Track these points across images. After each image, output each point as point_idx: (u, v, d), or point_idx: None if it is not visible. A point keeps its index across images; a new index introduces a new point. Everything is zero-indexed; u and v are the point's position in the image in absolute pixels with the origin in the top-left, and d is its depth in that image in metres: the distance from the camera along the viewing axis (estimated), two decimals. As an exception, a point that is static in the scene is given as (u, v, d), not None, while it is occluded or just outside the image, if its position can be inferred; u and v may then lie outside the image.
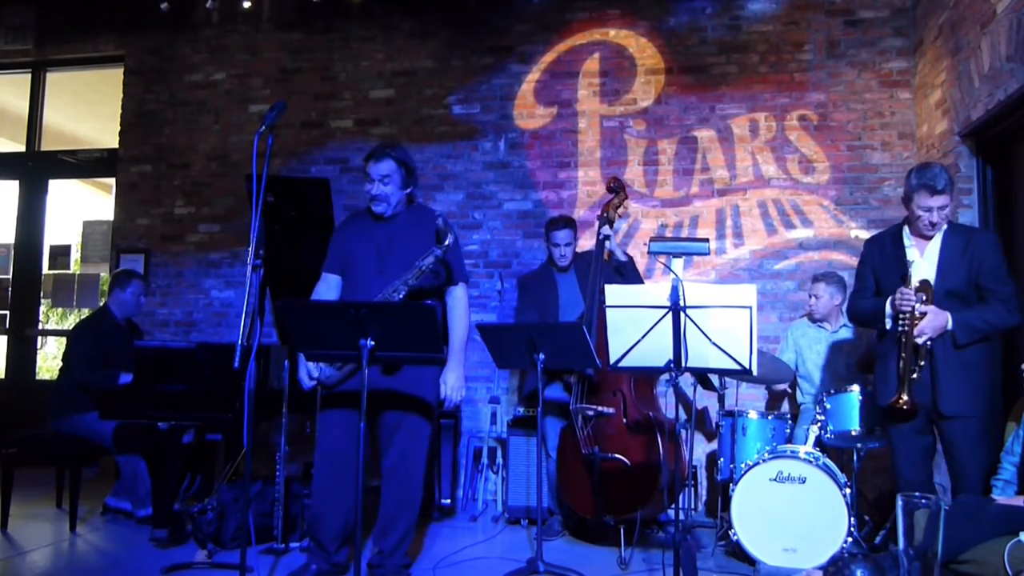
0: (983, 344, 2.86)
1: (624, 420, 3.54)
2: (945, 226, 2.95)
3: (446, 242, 2.84)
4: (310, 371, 2.94)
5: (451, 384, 3.02)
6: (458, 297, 3.10)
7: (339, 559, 3.03)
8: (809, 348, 4.01)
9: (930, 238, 2.97)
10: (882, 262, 3.07)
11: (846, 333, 3.97)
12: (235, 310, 5.35)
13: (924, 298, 2.82)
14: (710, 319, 2.58)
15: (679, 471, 2.94)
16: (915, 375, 2.79)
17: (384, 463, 3.01)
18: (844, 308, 4.00)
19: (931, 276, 2.89)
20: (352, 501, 2.94)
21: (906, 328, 2.81)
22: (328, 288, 3.10)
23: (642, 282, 4.05)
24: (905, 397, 2.77)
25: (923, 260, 2.95)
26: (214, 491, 3.62)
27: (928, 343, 2.82)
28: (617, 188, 3.99)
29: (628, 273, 3.87)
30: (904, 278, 2.85)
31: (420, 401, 2.99)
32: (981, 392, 2.84)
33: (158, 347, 3.99)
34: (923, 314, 2.80)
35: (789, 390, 4.16)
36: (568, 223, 4.04)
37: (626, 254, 4.03)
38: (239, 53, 5.60)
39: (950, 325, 2.81)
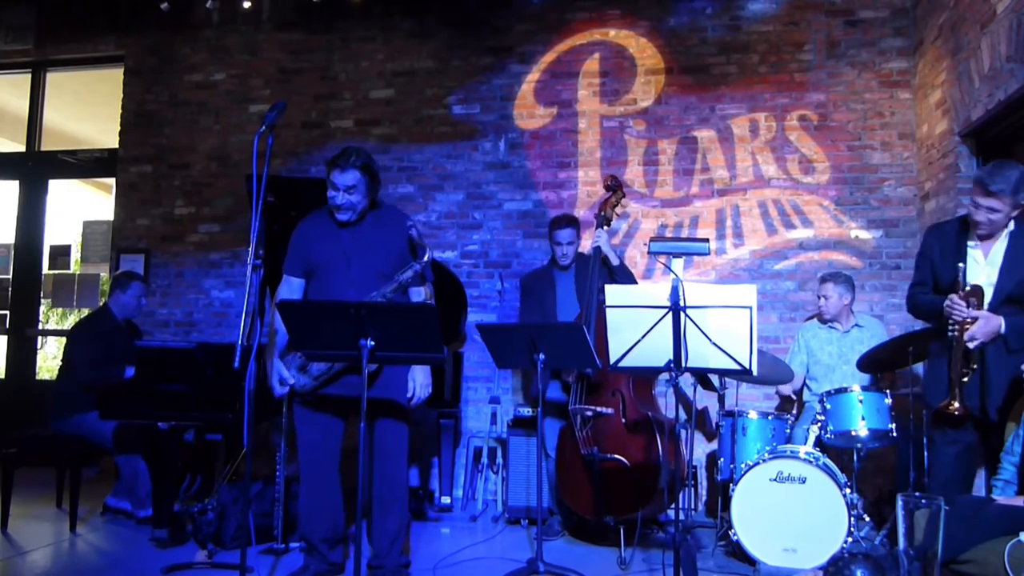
0: None
1: (623, 420, 3.54)
2: (1011, 227, 2.86)
3: (425, 258, 2.86)
4: (284, 377, 2.90)
5: (420, 381, 3.02)
6: (424, 297, 3.07)
7: (334, 559, 3.05)
8: (821, 349, 4.00)
9: (988, 237, 2.88)
10: (941, 258, 2.99)
11: (858, 332, 3.97)
12: (235, 310, 5.35)
13: (975, 303, 2.78)
14: (710, 319, 2.58)
15: (679, 471, 2.94)
16: (965, 379, 2.78)
17: (376, 466, 3.02)
18: (854, 307, 4.01)
19: (992, 280, 2.83)
20: (338, 502, 3.03)
21: (956, 333, 2.78)
22: (291, 291, 3.03)
23: (635, 283, 4.05)
24: (956, 404, 2.76)
25: (986, 263, 2.88)
26: (214, 491, 3.62)
27: (979, 347, 2.79)
28: (614, 186, 3.99)
29: (621, 277, 3.87)
30: (955, 284, 2.82)
31: (395, 404, 2.99)
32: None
33: (158, 347, 3.99)
34: (974, 319, 2.76)
35: (795, 396, 4.15)
36: (571, 222, 4.02)
37: (620, 258, 4.00)
38: (239, 53, 5.60)
39: (1003, 330, 2.77)
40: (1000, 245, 2.89)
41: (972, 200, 2.86)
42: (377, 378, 2.94)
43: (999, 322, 2.77)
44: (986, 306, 2.83)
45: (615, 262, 3.90)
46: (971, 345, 2.78)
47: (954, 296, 2.80)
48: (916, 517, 1.64)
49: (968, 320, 2.76)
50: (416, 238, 2.88)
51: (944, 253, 3.01)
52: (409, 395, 3.02)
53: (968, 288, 2.80)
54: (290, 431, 3.55)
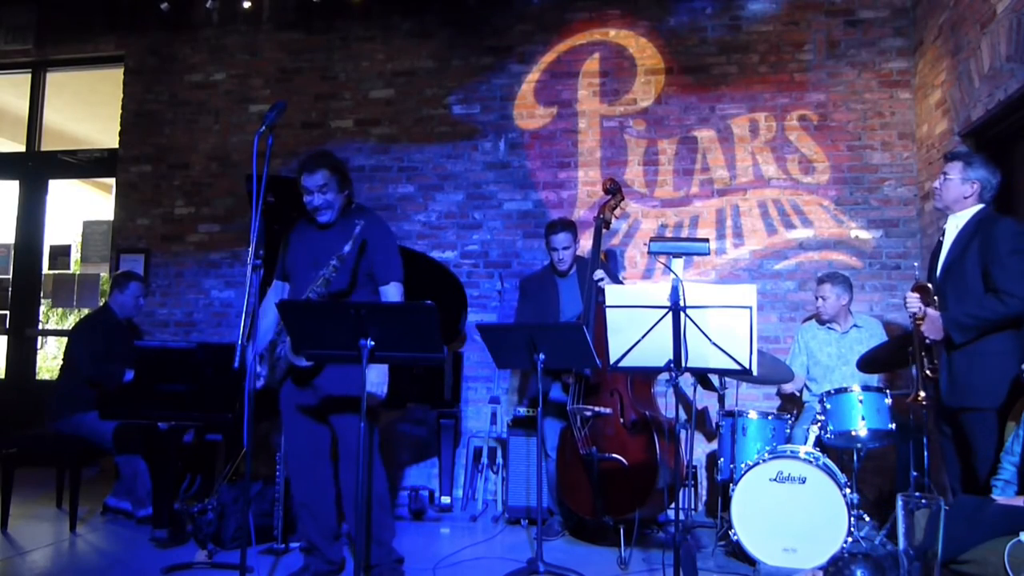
0: (999, 335, 2.82)
1: (621, 420, 3.54)
2: (972, 212, 2.96)
3: (344, 249, 2.82)
4: (258, 371, 2.92)
5: (371, 379, 2.91)
6: (390, 297, 3.04)
7: (334, 556, 3.05)
8: (820, 350, 4.00)
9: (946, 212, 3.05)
10: (930, 261, 3.17)
11: (857, 333, 3.96)
12: (235, 310, 5.35)
13: (923, 299, 2.92)
14: (710, 319, 2.58)
15: (678, 471, 2.94)
16: (930, 373, 2.91)
17: (341, 466, 3.03)
18: (853, 307, 4.03)
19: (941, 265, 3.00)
20: (330, 501, 3.04)
21: (913, 328, 2.94)
22: (276, 294, 3.11)
23: None
24: (923, 393, 2.86)
25: (947, 248, 3.01)
26: (214, 491, 3.62)
27: (934, 343, 2.90)
28: (614, 190, 3.98)
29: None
30: (916, 281, 3.00)
31: (355, 400, 2.96)
32: (991, 384, 2.81)
33: (158, 347, 3.99)
34: (925, 315, 2.90)
35: (797, 393, 4.15)
36: (566, 226, 3.97)
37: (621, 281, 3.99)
38: (239, 53, 5.60)
39: (942, 325, 2.86)
40: (953, 232, 3.00)
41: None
42: (318, 374, 2.93)
43: (940, 321, 2.87)
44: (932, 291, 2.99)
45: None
46: (927, 341, 2.91)
47: (909, 291, 3.00)
48: (916, 517, 1.64)
49: (919, 315, 2.92)
50: (355, 233, 2.84)
51: (931, 259, 3.18)
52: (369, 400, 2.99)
53: (917, 285, 3.00)
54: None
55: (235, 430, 3.52)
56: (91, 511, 4.09)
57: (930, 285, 2.98)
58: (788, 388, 4.17)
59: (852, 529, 3.01)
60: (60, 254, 6.08)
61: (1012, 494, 2.57)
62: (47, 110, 6.08)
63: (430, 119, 5.23)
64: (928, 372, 2.91)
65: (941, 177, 3.02)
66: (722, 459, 3.68)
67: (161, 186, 5.60)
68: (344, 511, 3.07)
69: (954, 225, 3.00)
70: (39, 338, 6.26)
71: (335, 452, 3.06)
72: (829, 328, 4.02)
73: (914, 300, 2.94)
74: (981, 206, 2.97)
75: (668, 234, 4.80)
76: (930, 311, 2.89)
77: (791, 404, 4.26)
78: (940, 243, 3.09)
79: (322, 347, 2.61)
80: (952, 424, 2.97)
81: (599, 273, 3.69)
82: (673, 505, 3.03)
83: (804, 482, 3.11)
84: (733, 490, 3.22)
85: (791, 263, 4.68)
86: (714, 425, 4.26)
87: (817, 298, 4.02)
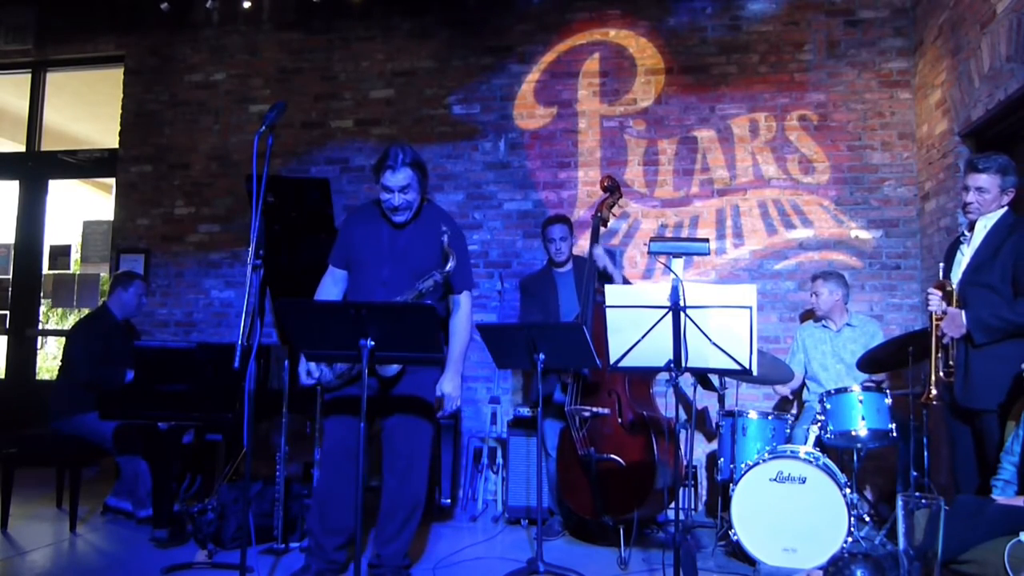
0: (1021, 340, 2.81)
1: (619, 420, 3.54)
2: (998, 216, 2.96)
3: (448, 267, 2.82)
4: (310, 369, 2.93)
5: (448, 392, 2.97)
6: (461, 305, 3.06)
7: (338, 558, 3.03)
8: (815, 348, 4.01)
9: (974, 224, 3.02)
10: (945, 254, 3.18)
11: (850, 332, 3.97)
12: (235, 310, 5.35)
13: (947, 298, 2.92)
14: (710, 319, 2.58)
15: (678, 471, 2.94)
16: (943, 373, 2.89)
17: (386, 464, 3.01)
18: (853, 306, 4.03)
19: (965, 265, 2.98)
20: (349, 502, 2.97)
21: (931, 327, 2.93)
22: (334, 281, 3.06)
23: None
24: (934, 392, 2.86)
25: (969, 249, 3.01)
26: (214, 491, 3.62)
27: (954, 339, 2.89)
28: (612, 187, 3.98)
29: None
30: (939, 277, 2.99)
31: (422, 402, 2.98)
32: (1006, 387, 2.81)
33: (158, 347, 3.99)
34: (945, 313, 2.90)
35: (791, 396, 4.15)
36: (562, 219, 4.06)
37: (625, 279, 4.00)
38: (239, 53, 5.60)
39: (965, 325, 2.85)
40: (981, 232, 2.99)
41: (963, 184, 3.01)
42: (402, 377, 2.93)
43: (962, 319, 2.86)
44: (955, 291, 2.97)
45: (618, 281, 3.89)
46: (944, 340, 2.90)
47: (931, 288, 2.98)
48: (916, 517, 1.64)
49: (938, 314, 2.91)
50: (446, 245, 2.82)
51: (946, 258, 3.17)
52: (437, 408, 2.98)
53: (937, 282, 2.99)
54: (290, 431, 3.56)
55: (235, 430, 3.52)
56: (91, 511, 4.09)
57: (952, 283, 2.97)
58: (783, 391, 4.18)
59: (852, 529, 3.01)
60: (60, 254, 6.09)
61: (1012, 494, 2.57)
62: (47, 110, 6.08)
63: (430, 119, 5.23)
64: (943, 374, 2.90)
65: (972, 191, 2.95)
66: (722, 459, 3.68)
67: (161, 186, 5.60)
68: (385, 512, 3.00)
69: (983, 226, 2.99)
70: (39, 338, 6.26)
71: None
72: (824, 326, 4.03)
73: (936, 298, 2.93)
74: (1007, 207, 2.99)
75: (668, 234, 4.80)
76: (951, 309, 2.90)
77: (788, 404, 4.26)
78: (958, 241, 3.09)
79: (322, 347, 2.61)
80: (970, 424, 2.96)
81: (598, 249, 3.73)
82: (673, 505, 3.03)
83: (804, 482, 3.11)
84: (733, 490, 3.22)
85: (791, 263, 4.68)
86: (714, 425, 4.27)
87: (811, 295, 4.04)
